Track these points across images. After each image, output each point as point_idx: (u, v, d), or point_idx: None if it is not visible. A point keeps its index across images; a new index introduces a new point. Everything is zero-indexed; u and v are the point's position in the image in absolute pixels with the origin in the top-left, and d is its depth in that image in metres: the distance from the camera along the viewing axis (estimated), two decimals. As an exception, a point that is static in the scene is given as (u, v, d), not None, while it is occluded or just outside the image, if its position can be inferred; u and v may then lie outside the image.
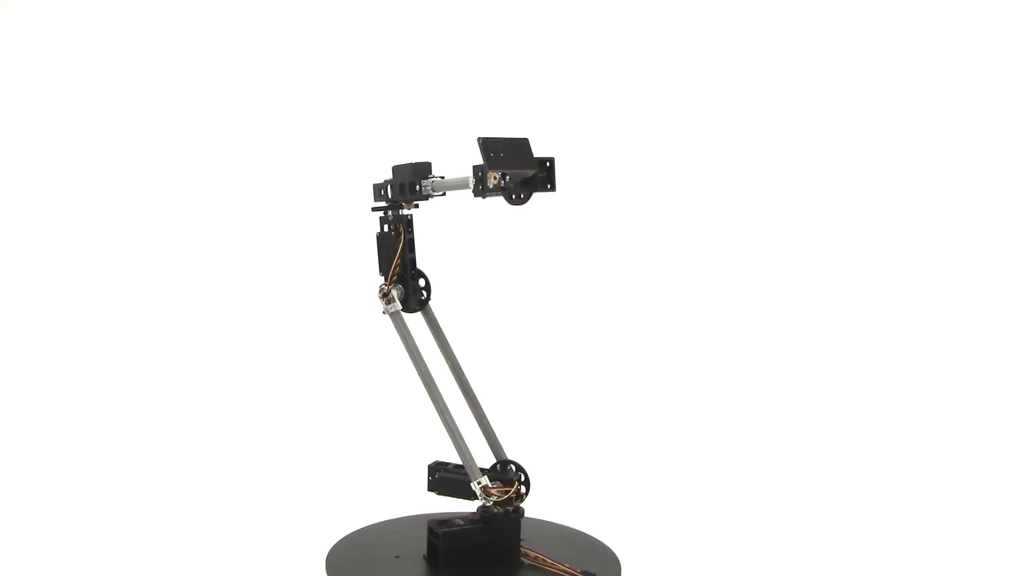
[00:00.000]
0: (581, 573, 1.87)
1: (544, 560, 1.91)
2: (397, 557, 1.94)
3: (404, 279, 1.94)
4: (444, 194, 1.90)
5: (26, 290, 2.83)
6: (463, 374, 1.98)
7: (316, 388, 2.77)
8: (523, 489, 1.92)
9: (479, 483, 1.89)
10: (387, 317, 1.90)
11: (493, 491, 1.90)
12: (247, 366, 2.84)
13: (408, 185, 1.90)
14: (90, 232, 3.00)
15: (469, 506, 1.95)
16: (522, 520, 1.94)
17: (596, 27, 3.06)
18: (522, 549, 1.94)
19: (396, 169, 1.94)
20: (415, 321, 1.93)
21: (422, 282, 1.97)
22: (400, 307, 1.92)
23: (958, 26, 3.00)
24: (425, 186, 1.90)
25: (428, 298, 1.98)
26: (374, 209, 1.96)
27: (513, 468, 1.94)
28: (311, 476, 2.31)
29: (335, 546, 1.97)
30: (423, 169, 1.91)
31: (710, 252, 2.93)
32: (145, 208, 3.04)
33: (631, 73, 3.04)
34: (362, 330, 2.92)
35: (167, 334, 2.91)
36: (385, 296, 1.91)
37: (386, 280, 1.92)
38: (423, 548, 1.94)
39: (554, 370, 2.49)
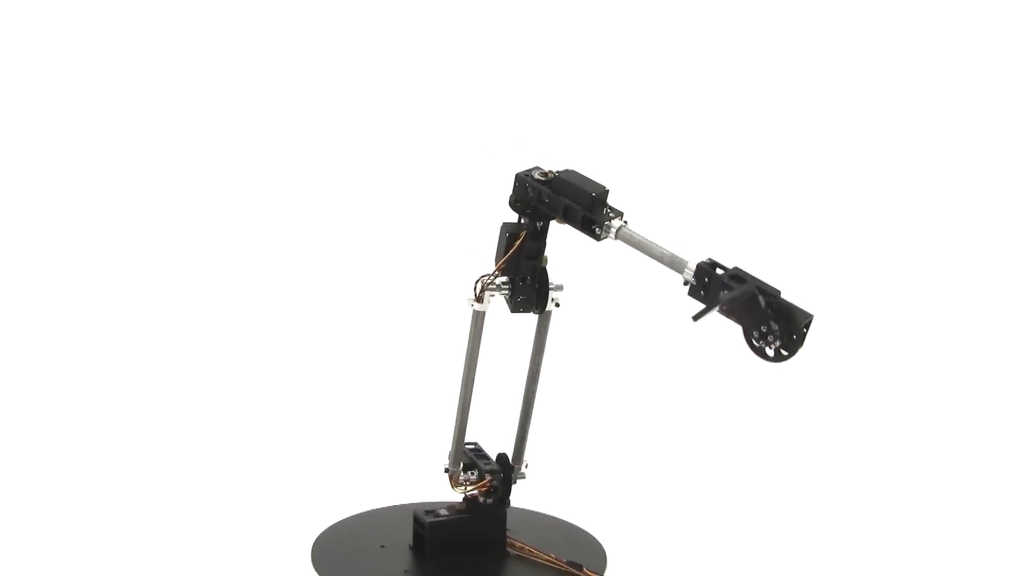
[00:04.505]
0: (567, 563, 1.87)
1: (530, 550, 1.91)
2: (382, 547, 1.93)
3: (513, 282, 1.79)
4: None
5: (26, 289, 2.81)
6: (535, 386, 1.91)
7: (302, 376, 2.76)
8: (494, 486, 1.90)
9: (448, 471, 1.89)
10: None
11: (461, 482, 1.89)
12: (232, 353, 2.82)
13: (581, 214, 1.68)
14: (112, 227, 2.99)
15: (454, 497, 1.94)
16: (508, 510, 1.93)
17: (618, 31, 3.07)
18: (508, 539, 1.94)
19: (567, 184, 1.71)
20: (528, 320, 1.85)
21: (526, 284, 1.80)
22: (484, 308, 1.79)
23: (959, 26, 3.01)
24: (605, 228, 1.67)
25: (538, 307, 1.84)
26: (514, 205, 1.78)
27: (498, 468, 1.91)
28: (296, 466, 2.30)
29: (320, 536, 1.97)
30: (601, 199, 1.68)
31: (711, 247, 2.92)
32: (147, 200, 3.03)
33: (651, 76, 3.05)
34: (353, 317, 2.92)
35: (154, 318, 2.88)
36: (480, 291, 1.78)
37: (491, 275, 1.79)
38: (409, 538, 1.94)
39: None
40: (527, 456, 1.94)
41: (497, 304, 1.84)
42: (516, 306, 1.83)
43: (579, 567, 1.85)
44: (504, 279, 1.81)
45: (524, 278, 1.82)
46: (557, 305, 1.85)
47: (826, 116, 3.04)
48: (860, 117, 3.05)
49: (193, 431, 2.44)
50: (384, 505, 2.11)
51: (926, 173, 3.02)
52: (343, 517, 2.05)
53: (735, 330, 1.60)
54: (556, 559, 1.88)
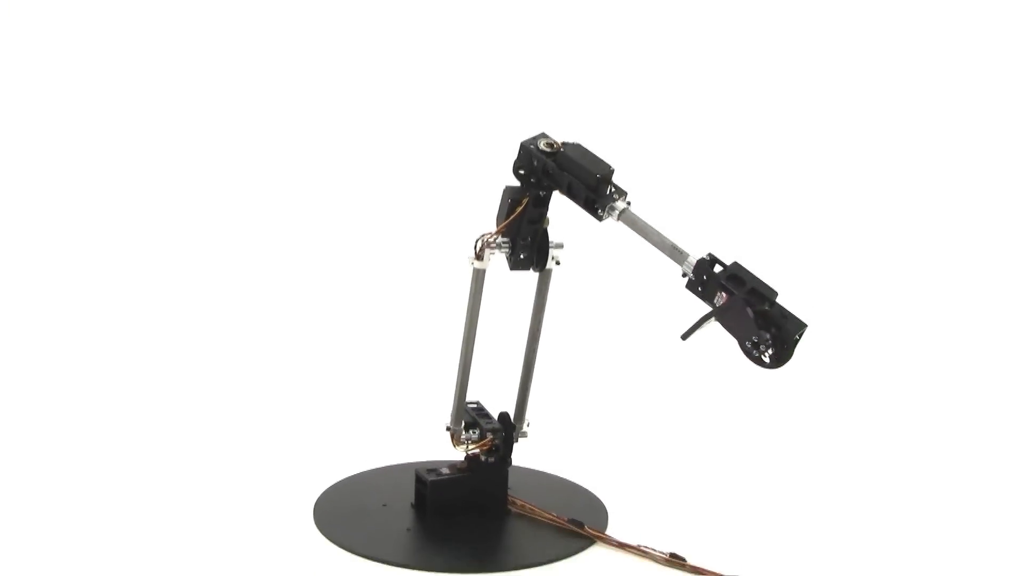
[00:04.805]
0: (568, 521, 1.87)
1: (532, 509, 1.92)
2: (384, 505, 1.94)
3: (513, 241, 1.78)
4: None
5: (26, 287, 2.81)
6: (536, 345, 1.91)
7: (306, 337, 2.76)
8: (496, 444, 1.90)
9: (449, 429, 1.89)
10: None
11: (462, 441, 1.90)
12: (236, 311, 2.82)
13: (584, 194, 1.66)
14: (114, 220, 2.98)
15: (456, 456, 1.94)
16: (510, 469, 1.94)
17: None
18: (510, 498, 1.94)
19: (571, 160, 1.68)
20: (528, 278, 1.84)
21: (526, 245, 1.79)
22: (484, 266, 1.78)
23: (958, 26, 2.98)
24: (608, 209, 1.65)
25: (538, 264, 1.83)
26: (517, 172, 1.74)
27: (500, 427, 1.92)
28: (298, 426, 2.31)
29: (323, 495, 1.97)
30: (605, 179, 1.64)
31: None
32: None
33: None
34: (355, 279, 2.92)
35: (156, 282, 2.88)
36: (480, 248, 1.77)
37: (492, 234, 1.77)
38: (411, 497, 1.94)
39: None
40: (529, 415, 1.95)
41: (498, 265, 1.83)
42: (516, 264, 1.83)
43: (580, 525, 1.86)
44: (505, 239, 1.80)
45: (525, 238, 1.81)
46: (557, 263, 1.84)
47: (852, 98, 3.03)
48: (882, 92, 3.04)
49: (196, 392, 2.45)
50: (386, 464, 2.12)
51: (930, 165, 3.02)
52: (345, 476, 2.06)
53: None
54: (557, 517, 1.88)
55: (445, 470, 1.93)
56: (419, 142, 3.02)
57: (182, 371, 2.55)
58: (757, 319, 1.55)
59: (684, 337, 1.62)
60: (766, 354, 1.56)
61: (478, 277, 1.81)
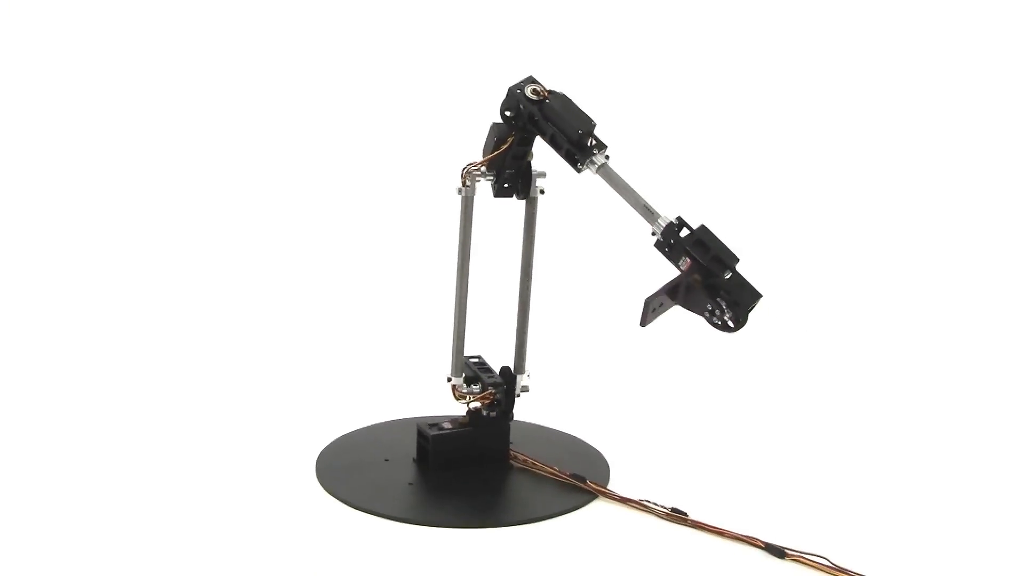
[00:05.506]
0: (570, 476, 1.87)
1: (533, 463, 1.92)
2: (387, 460, 1.94)
3: (500, 173, 1.82)
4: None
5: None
6: (530, 279, 1.91)
7: (305, 294, 2.76)
8: (497, 399, 1.91)
9: (451, 381, 1.89)
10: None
11: (464, 393, 1.89)
12: (236, 268, 2.81)
13: (566, 146, 1.69)
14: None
15: (458, 411, 1.94)
16: (512, 424, 1.94)
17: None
18: (511, 452, 1.95)
19: (556, 112, 1.71)
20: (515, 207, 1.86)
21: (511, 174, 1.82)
22: (471, 193, 1.81)
23: (959, 26, 2.95)
24: (588, 163, 1.69)
25: (523, 192, 1.86)
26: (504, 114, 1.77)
27: (498, 377, 1.92)
28: (299, 381, 2.31)
29: (324, 450, 1.98)
30: (587, 134, 1.68)
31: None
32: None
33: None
34: (351, 236, 2.90)
35: (152, 255, 2.87)
36: (465, 176, 1.81)
37: (476, 164, 1.81)
38: (412, 451, 1.95)
39: (555, 276, 2.47)
40: (530, 367, 1.94)
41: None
42: (500, 191, 1.86)
43: (582, 480, 1.86)
44: (490, 172, 1.84)
45: (509, 170, 1.85)
46: (542, 192, 1.87)
47: (845, 72, 3.00)
48: (872, 70, 3.01)
49: (197, 350, 2.45)
50: (388, 419, 2.12)
51: (923, 157, 3.00)
52: (347, 431, 2.06)
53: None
54: (559, 472, 1.89)
55: (447, 424, 1.93)
56: (408, 83, 2.98)
57: (182, 330, 2.55)
58: (709, 289, 1.60)
59: (643, 325, 1.68)
60: (725, 319, 1.61)
61: (466, 205, 1.84)
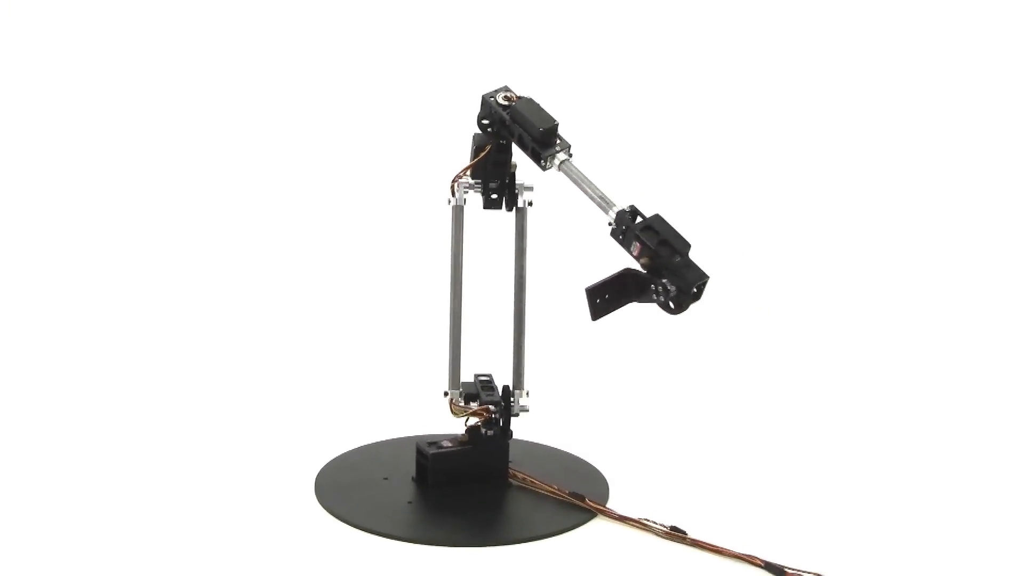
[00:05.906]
0: (569, 494, 1.87)
1: (533, 481, 1.92)
2: (386, 479, 1.94)
3: (485, 183, 1.88)
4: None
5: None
6: (523, 291, 1.94)
7: (304, 311, 2.76)
8: (494, 416, 1.91)
9: (447, 395, 1.90)
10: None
11: (459, 408, 1.90)
12: (235, 284, 2.81)
13: (531, 144, 1.76)
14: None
15: (457, 428, 1.94)
16: (511, 442, 1.94)
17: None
18: (511, 471, 1.94)
19: (520, 114, 1.78)
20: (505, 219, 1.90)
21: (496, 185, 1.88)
22: (460, 203, 1.88)
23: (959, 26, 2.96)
24: (549, 159, 1.76)
25: (509, 204, 1.91)
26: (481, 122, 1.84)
27: (499, 396, 1.92)
28: (299, 399, 2.31)
29: (324, 468, 1.97)
30: (549, 132, 1.75)
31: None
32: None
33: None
34: (351, 252, 2.90)
35: (154, 260, 2.87)
36: (454, 185, 1.88)
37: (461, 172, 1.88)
38: (412, 470, 1.95)
39: (550, 294, 2.47)
40: (528, 384, 1.94)
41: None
42: (488, 203, 1.92)
43: (581, 498, 1.86)
44: (476, 180, 1.89)
45: (494, 180, 1.89)
46: (530, 204, 1.92)
47: (826, 69, 3.00)
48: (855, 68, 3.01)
49: (195, 368, 2.44)
50: (387, 438, 2.12)
51: (918, 154, 3.00)
52: (346, 449, 2.06)
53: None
54: (558, 490, 1.88)
55: (446, 443, 1.93)
56: (401, 95, 2.98)
57: (180, 347, 2.54)
58: (652, 272, 1.63)
59: (594, 319, 1.71)
60: (667, 299, 1.62)
61: (457, 215, 1.89)
